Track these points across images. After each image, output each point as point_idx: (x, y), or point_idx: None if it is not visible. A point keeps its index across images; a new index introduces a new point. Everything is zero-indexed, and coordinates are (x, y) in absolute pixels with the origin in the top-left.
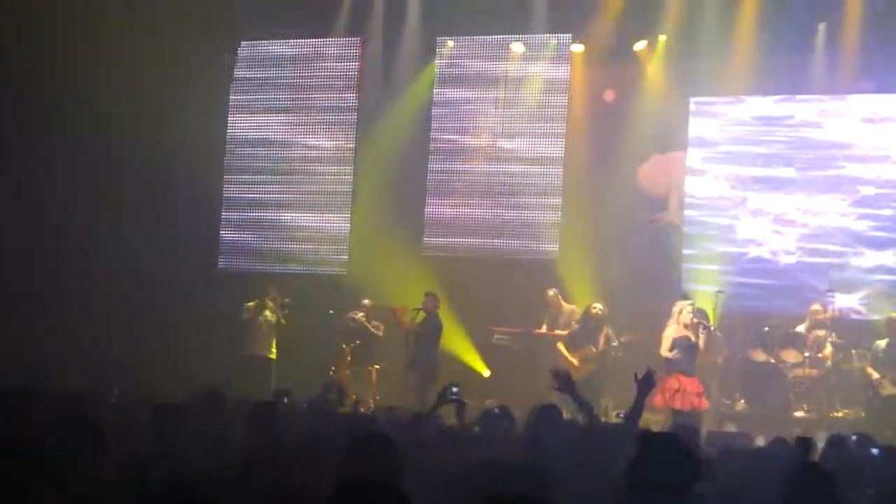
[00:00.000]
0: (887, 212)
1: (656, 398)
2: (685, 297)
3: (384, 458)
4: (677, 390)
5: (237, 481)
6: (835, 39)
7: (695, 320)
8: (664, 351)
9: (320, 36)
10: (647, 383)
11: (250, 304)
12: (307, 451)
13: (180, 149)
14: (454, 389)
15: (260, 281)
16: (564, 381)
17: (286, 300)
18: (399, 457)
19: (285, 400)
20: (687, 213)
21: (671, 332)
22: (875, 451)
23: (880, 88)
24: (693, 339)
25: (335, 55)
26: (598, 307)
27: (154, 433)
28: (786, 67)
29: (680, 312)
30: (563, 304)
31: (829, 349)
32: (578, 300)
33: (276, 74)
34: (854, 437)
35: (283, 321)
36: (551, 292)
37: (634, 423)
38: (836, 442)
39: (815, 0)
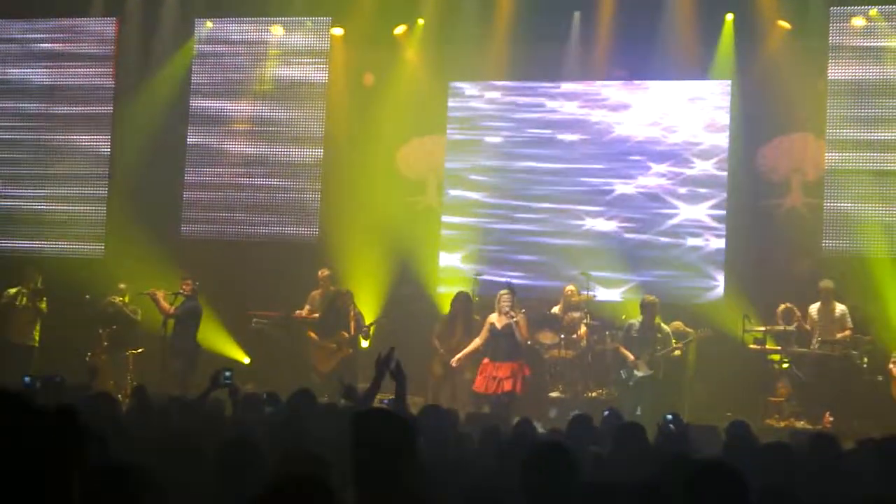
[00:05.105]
0: (637, 192)
1: (477, 383)
2: (508, 286)
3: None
4: (493, 376)
5: None
6: (589, 28)
7: (507, 307)
8: (481, 337)
9: (75, 15)
10: (385, 364)
11: (11, 290)
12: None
13: None
14: (227, 374)
15: (19, 265)
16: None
17: (38, 286)
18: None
19: (37, 385)
20: (446, 195)
21: (491, 318)
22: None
23: (632, 76)
24: (507, 325)
25: (90, 35)
26: (344, 291)
27: None
28: (542, 54)
29: (498, 301)
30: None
31: (583, 330)
32: (338, 283)
33: (30, 53)
34: (606, 413)
35: (41, 307)
36: (325, 272)
37: (369, 402)
38: (580, 419)
39: None
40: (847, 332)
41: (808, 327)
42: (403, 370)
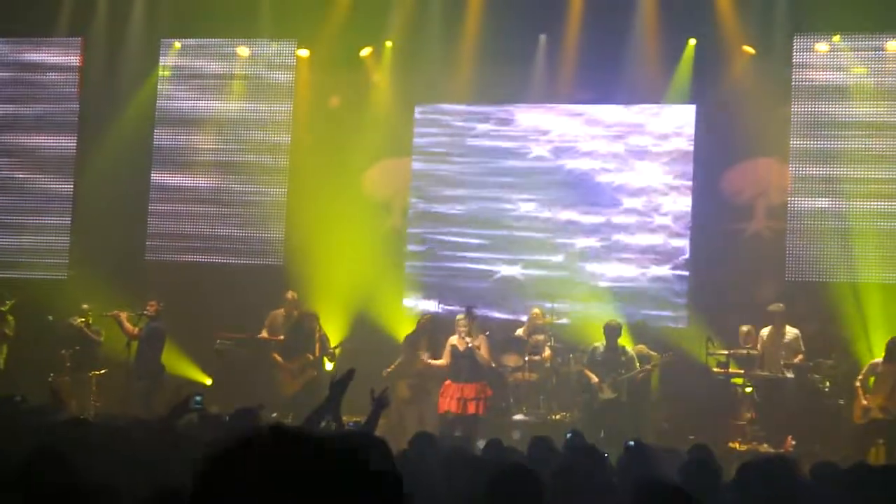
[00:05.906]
0: (603, 219)
1: (441, 404)
2: (467, 310)
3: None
4: (458, 397)
5: None
6: (555, 51)
7: (464, 329)
8: (444, 359)
9: (39, 35)
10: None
11: None
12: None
13: None
14: (197, 398)
15: None
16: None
17: (2, 308)
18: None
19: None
20: (410, 217)
21: (452, 340)
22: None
23: (598, 99)
24: (468, 347)
25: (55, 55)
26: (310, 312)
27: None
28: (508, 77)
29: (456, 325)
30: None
31: (548, 353)
32: (302, 307)
33: None
34: (568, 435)
35: (6, 331)
36: (292, 294)
37: (314, 426)
38: (540, 442)
39: (537, 12)
40: (800, 357)
41: (756, 350)
42: (389, 400)
